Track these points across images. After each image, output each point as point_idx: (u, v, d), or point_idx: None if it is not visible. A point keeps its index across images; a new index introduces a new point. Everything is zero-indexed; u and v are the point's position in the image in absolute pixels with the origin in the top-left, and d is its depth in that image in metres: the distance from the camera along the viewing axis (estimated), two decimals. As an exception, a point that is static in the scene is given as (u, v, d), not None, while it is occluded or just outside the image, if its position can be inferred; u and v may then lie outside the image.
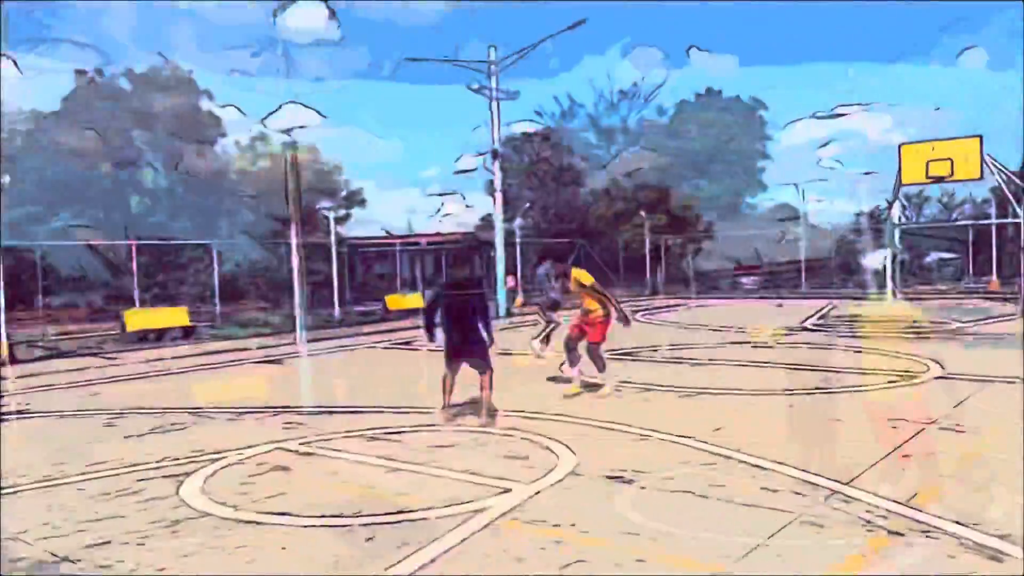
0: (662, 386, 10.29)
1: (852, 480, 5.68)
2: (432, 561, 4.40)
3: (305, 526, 5.13)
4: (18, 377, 13.88)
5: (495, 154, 25.88)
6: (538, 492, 5.69)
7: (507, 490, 5.73)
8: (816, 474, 5.85)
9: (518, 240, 32.10)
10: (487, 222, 43.64)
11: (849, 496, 5.35)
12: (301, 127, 63.43)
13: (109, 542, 4.96)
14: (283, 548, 4.72)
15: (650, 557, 4.39)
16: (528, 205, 38.35)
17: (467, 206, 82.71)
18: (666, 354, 13.93)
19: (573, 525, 4.96)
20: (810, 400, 9.12)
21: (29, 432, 8.86)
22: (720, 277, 38.21)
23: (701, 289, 36.57)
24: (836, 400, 9.04)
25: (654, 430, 7.59)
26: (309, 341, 18.90)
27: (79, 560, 4.65)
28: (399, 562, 4.39)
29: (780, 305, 25.60)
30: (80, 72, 32.13)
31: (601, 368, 9.83)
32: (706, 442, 7.04)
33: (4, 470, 6.99)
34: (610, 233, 42.88)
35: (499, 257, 26.72)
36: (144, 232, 30.45)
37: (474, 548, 4.60)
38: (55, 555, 4.76)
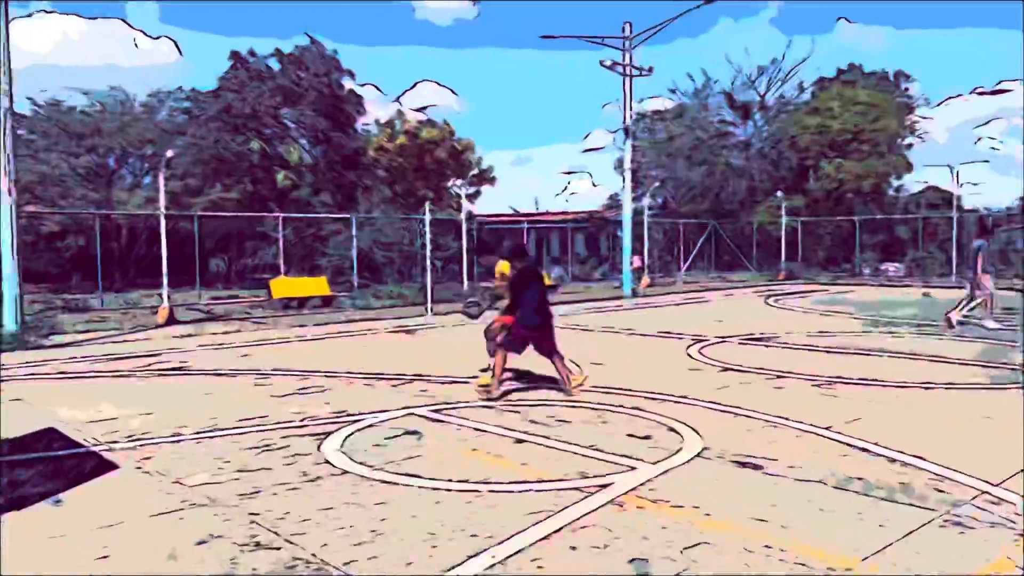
0: (795, 373, 9.95)
1: (1003, 481, 5.33)
2: (557, 531, 4.50)
3: (436, 489, 5.35)
4: (177, 337, 15.11)
5: (627, 132, 25.55)
6: (663, 472, 5.68)
7: (632, 468, 5.75)
8: (963, 472, 5.53)
9: (646, 219, 31.61)
10: (614, 201, 43.28)
11: (999, 498, 5.02)
12: (433, 105, 65.01)
13: (259, 492, 5.37)
14: (416, 508, 4.95)
15: (778, 545, 4.30)
16: (658, 184, 37.65)
17: (594, 184, 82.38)
18: (801, 340, 13.42)
19: (698, 507, 4.92)
20: (958, 395, 8.56)
21: (188, 387, 9.65)
22: (863, 263, 36.19)
23: (840, 275, 34.86)
24: (987, 396, 8.45)
25: (786, 417, 7.38)
26: (439, 313, 19.48)
27: (233, 506, 5.06)
28: (525, 530, 4.52)
29: (926, 295, 24.03)
30: (234, 53, 34.21)
31: (491, 352, 9.07)
32: (842, 432, 6.78)
33: (168, 420, 7.68)
34: (744, 214, 41.51)
35: (626, 236, 26.46)
36: (288, 206, 32.18)
37: (598, 522, 4.66)
38: (211, 499, 5.21)
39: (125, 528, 4.69)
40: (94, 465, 6.12)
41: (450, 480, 5.51)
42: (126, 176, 32.65)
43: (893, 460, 5.92)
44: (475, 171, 38.73)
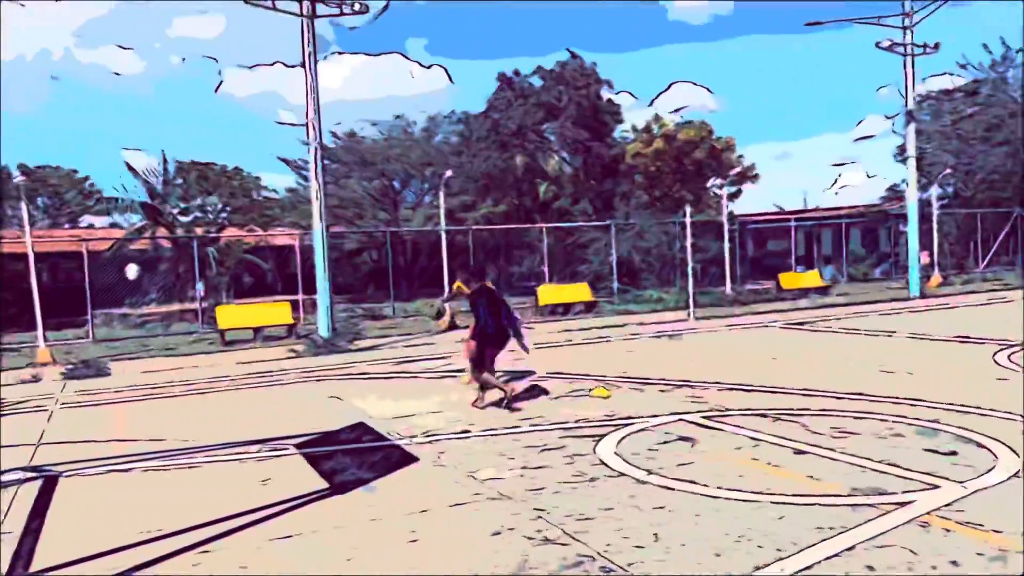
0: None
1: None
2: (851, 548, 4.24)
3: (714, 496, 5.29)
4: (458, 341, 16.33)
5: (909, 115, 23.25)
6: (973, 492, 5.11)
7: (934, 486, 5.25)
8: None
9: (935, 211, 28.45)
10: (895, 192, 39.47)
11: None
12: (685, 107, 63.88)
13: (542, 489, 5.67)
14: (696, 515, 4.94)
15: None
16: (948, 171, 33.70)
17: (869, 175, 75.71)
18: None
19: (1020, 534, 4.37)
20: None
21: (471, 389, 10.38)
22: None
23: None
24: None
25: None
26: (701, 318, 19.12)
27: (521, 501, 5.40)
28: (814, 544, 4.32)
29: None
30: (501, 75, 36.32)
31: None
32: None
33: (456, 418, 8.36)
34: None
35: (912, 231, 24.03)
36: (550, 215, 33.47)
37: (898, 542, 4.31)
38: (501, 493, 5.59)
39: (430, 516, 5.20)
40: (398, 457, 6.85)
41: (729, 488, 5.41)
42: (409, 196, 36.04)
43: None
44: (736, 169, 37.47)
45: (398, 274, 30.45)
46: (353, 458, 6.89)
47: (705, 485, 5.52)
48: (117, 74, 68.41)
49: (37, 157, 63.38)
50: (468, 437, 7.50)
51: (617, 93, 38.10)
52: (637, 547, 4.45)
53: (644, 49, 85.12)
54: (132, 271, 26.28)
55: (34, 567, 4.61)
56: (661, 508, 5.10)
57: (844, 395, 8.61)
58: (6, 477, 6.69)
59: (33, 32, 64.78)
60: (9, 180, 33.94)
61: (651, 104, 60.28)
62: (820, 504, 5.01)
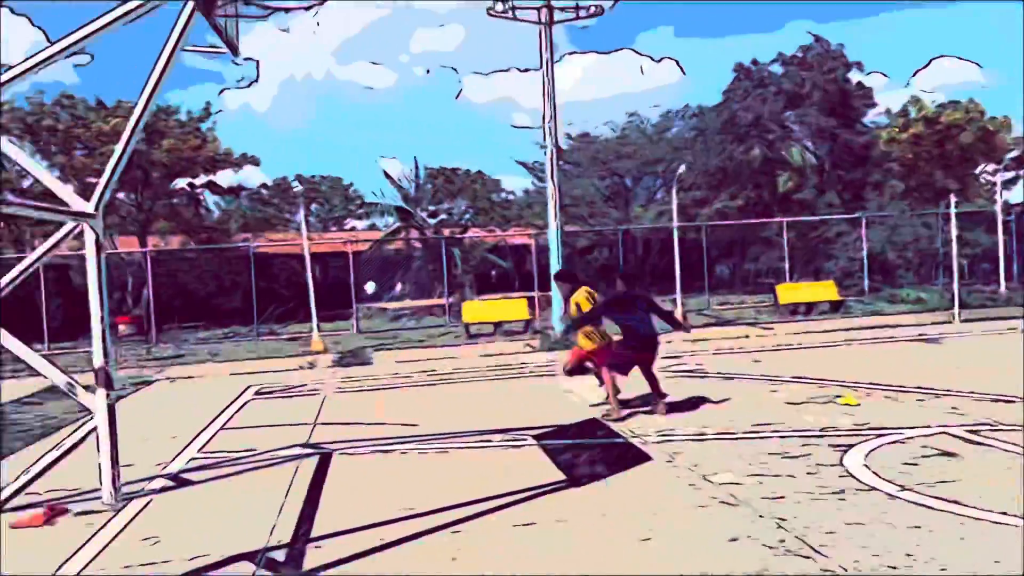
0: None
1: None
2: None
3: (980, 519, 4.81)
4: (691, 341, 16.07)
5: None
6: None
7: None
8: None
9: None
10: None
11: None
12: (948, 84, 57.14)
13: (783, 498, 5.48)
14: (960, 538, 4.53)
15: None
16: None
17: None
18: None
19: None
20: None
21: (705, 389, 10.20)
22: None
23: None
24: None
25: None
26: (969, 320, 17.23)
27: (761, 508, 5.26)
28: (1108, 585, 3.80)
29: None
30: (738, 65, 34.99)
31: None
32: None
33: (692, 419, 8.28)
34: None
35: None
36: (790, 208, 31.70)
37: None
38: (738, 499, 5.48)
39: (664, 516, 5.25)
40: (632, 455, 6.95)
41: (1000, 512, 4.89)
42: (640, 193, 35.95)
43: None
44: (1013, 153, 33.10)
45: (629, 271, 30.48)
46: (588, 453, 7.10)
47: (971, 507, 5.02)
48: (369, 88, 75.05)
49: (310, 167, 71.53)
50: (703, 439, 7.42)
51: (868, 75, 35.25)
52: (889, 567, 4.18)
53: (897, 19, 76.81)
54: (370, 287, 28.70)
55: (314, 532, 5.30)
56: (917, 527, 4.73)
57: None
58: (291, 452, 7.73)
59: (300, 56, 72.96)
60: (291, 189, 38.64)
61: (907, 84, 54.75)
62: (1115, 539, 4.39)
